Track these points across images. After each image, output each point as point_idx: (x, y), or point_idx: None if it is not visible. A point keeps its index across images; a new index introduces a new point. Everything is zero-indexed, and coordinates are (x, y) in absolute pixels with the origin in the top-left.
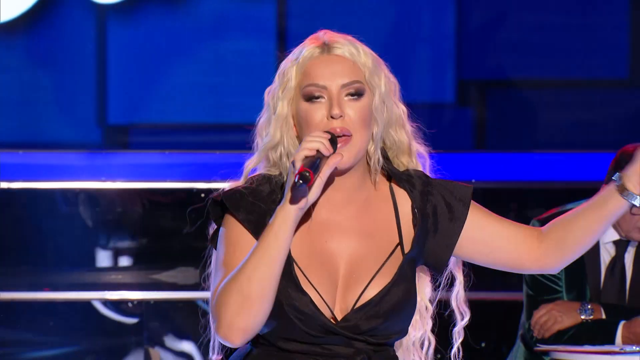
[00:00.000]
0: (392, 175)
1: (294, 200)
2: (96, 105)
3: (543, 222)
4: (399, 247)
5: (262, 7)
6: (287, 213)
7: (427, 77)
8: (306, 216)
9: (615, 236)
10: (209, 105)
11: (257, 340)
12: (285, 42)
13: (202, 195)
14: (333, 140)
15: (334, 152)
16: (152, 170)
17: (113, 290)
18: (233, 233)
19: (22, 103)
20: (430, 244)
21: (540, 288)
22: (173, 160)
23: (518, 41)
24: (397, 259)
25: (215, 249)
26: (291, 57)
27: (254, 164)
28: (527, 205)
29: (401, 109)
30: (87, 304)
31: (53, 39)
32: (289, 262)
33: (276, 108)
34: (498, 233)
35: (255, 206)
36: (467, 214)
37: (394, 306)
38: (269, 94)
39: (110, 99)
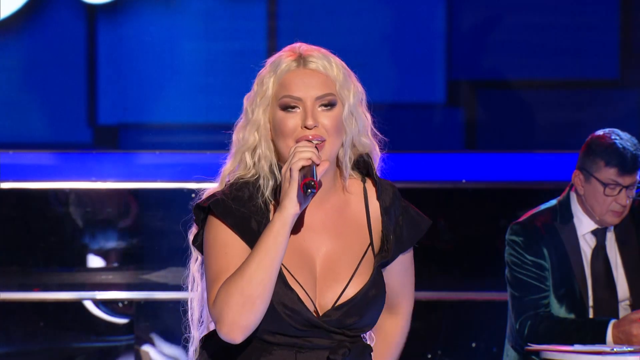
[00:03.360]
0: (371, 177)
1: (291, 206)
2: (86, 105)
3: (522, 225)
4: (370, 247)
5: (252, 7)
6: (285, 218)
7: (417, 77)
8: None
9: (593, 225)
10: (199, 105)
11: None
12: (276, 42)
13: (193, 195)
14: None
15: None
16: (142, 170)
17: (103, 291)
18: (221, 236)
19: (12, 103)
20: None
21: (526, 288)
22: (163, 161)
23: (508, 41)
24: (370, 259)
25: (198, 250)
26: (269, 67)
27: (230, 168)
28: (518, 205)
29: (367, 117)
30: (77, 304)
31: (43, 39)
32: None
33: (253, 113)
34: (396, 290)
35: (238, 211)
36: (416, 240)
37: (371, 304)
38: (247, 99)
39: (100, 99)
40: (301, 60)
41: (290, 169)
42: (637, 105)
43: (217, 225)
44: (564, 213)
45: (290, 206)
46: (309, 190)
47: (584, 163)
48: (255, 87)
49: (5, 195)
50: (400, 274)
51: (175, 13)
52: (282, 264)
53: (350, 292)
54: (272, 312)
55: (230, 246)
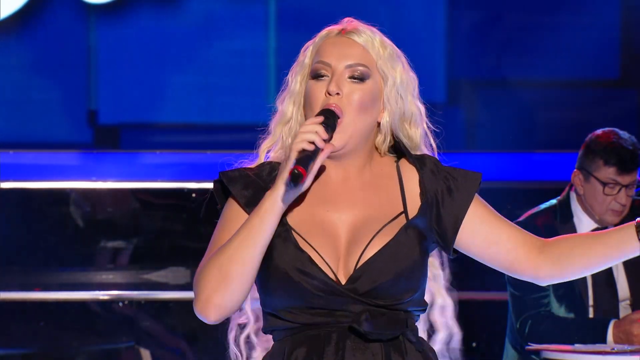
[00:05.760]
0: (404, 153)
1: (283, 192)
2: (87, 105)
3: (522, 225)
4: (403, 214)
5: (254, 7)
6: (275, 198)
7: (417, 77)
8: (306, 189)
9: (593, 225)
10: (200, 105)
11: (273, 331)
12: (278, 42)
13: (193, 195)
14: (331, 122)
15: (331, 135)
16: (143, 170)
17: (104, 290)
18: (227, 211)
19: (12, 103)
20: (436, 220)
21: (526, 287)
22: (164, 160)
23: (509, 41)
24: (400, 223)
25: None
26: (315, 38)
27: (268, 144)
28: (518, 205)
29: (418, 107)
30: (78, 304)
31: (44, 39)
32: (286, 229)
33: (292, 83)
34: (499, 229)
35: (253, 182)
36: (473, 196)
37: (394, 264)
38: (290, 70)
39: (100, 99)
40: (343, 30)
41: (290, 150)
42: (637, 105)
43: (229, 201)
44: (564, 212)
45: (282, 187)
46: (292, 184)
47: (584, 162)
48: (298, 57)
49: (6, 194)
50: (496, 220)
51: (175, 12)
52: (295, 231)
53: (371, 252)
54: (288, 279)
55: (230, 222)
